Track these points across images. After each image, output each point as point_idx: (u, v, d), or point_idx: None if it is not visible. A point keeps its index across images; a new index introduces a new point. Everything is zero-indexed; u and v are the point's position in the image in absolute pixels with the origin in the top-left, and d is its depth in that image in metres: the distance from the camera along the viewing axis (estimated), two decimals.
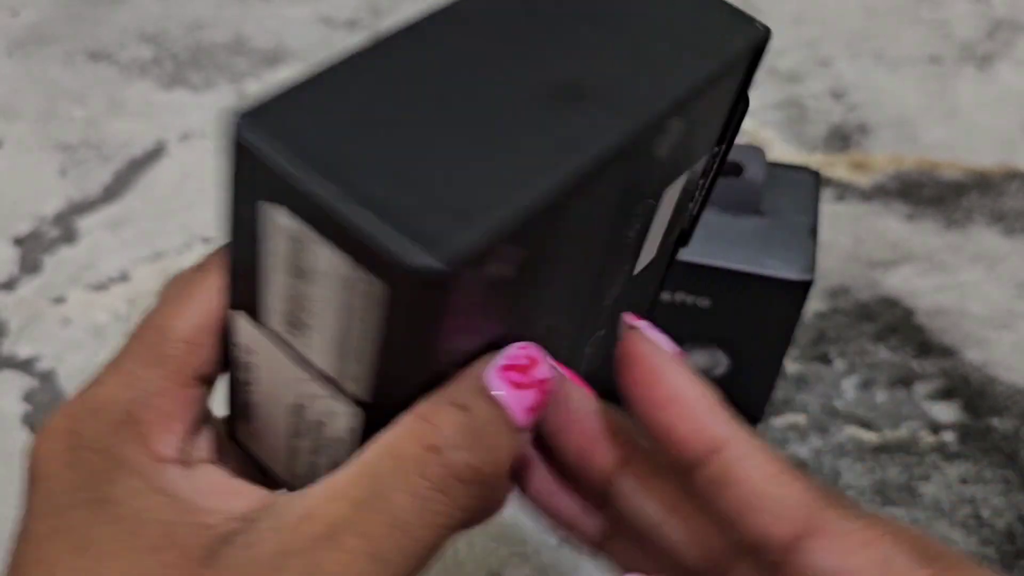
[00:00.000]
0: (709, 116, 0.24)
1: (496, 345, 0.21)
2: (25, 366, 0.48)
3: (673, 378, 0.21)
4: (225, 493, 0.21)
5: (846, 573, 0.19)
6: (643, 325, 0.22)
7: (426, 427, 0.19)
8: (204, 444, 0.23)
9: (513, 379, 0.21)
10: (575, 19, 0.22)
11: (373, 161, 0.18)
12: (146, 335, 0.22)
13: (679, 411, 0.21)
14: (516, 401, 0.21)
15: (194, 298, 0.22)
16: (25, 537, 0.21)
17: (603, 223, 0.21)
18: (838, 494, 0.21)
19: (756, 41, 0.23)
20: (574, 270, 0.22)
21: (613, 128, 0.19)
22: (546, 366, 0.21)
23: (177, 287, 0.22)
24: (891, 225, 0.52)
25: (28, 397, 0.47)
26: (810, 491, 0.20)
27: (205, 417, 0.23)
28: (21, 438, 0.46)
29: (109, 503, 0.20)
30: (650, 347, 0.22)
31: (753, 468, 0.20)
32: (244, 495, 0.21)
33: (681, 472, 0.21)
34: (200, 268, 0.22)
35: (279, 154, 0.17)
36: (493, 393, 0.20)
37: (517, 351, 0.21)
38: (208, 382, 0.23)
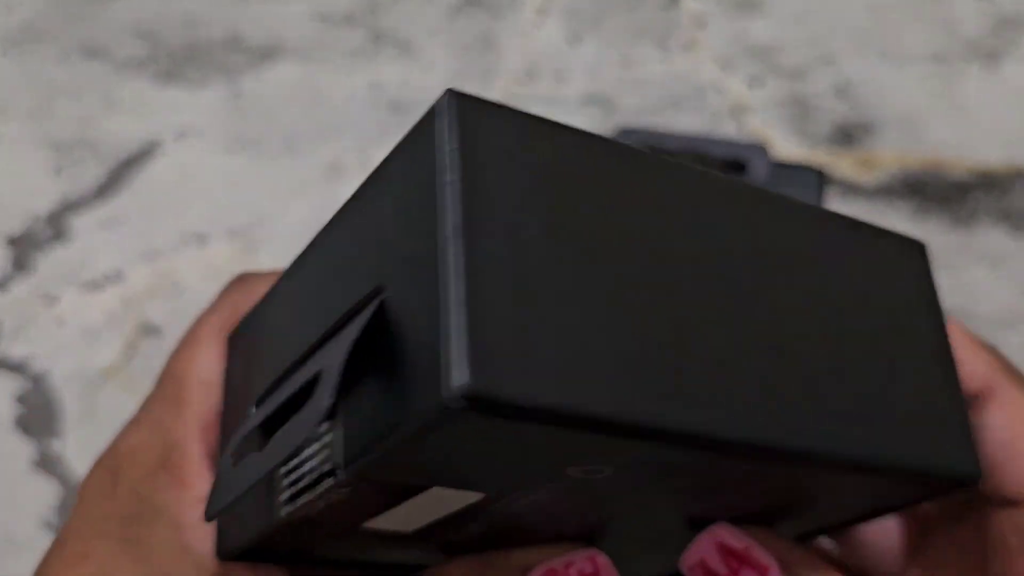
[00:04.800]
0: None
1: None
2: (18, 367, 0.47)
3: None
4: (245, 567, 0.22)
5: (1010, 435, 0.23)
6: None
7: None
8: None
9: None
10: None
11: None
12: (167, 383, 0.23)
13: None
14: None
15: (206, 342, 0.23)
16: (57, 550, 0.22)
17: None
18: (1016, 369, 0.24)
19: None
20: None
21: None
22: None
23: (190, 331, 0.24)
24: (896, 224, 0.51)
25: (21, 399, 0.46)
26: (993, 361, 0.23)
27: None
28: (14, 441, 0.45)
29: (139, 544, 0.21)
30: None
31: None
32: (263, 571, 0.22)
33: None
34: (211, 311, 0.24)
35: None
36: None
37: (581, 558, 0.22)
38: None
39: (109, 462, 0.23)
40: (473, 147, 0.16)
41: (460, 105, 0.16)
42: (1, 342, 0.48)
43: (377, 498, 0.19)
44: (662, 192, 0.18)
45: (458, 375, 0.14)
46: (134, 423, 0.23)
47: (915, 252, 0.23)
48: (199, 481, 0.22)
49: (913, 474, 0.20)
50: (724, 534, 0.21)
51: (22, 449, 0.45)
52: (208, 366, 0.23)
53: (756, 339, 0.18)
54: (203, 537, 0.22)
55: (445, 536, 0.22)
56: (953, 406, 0.21)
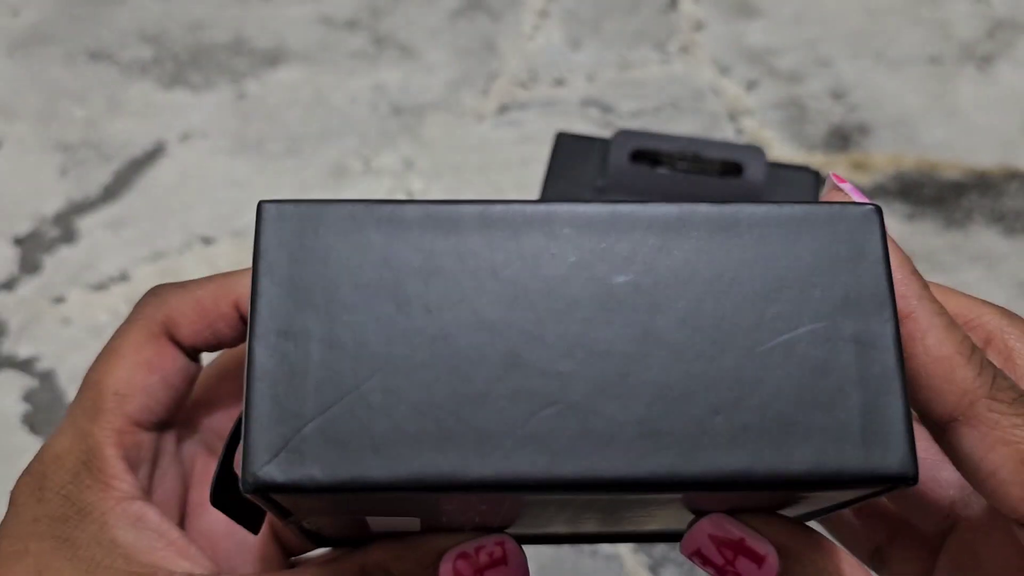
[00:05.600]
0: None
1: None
2: (25, 366, 0.48)
3: None
4: (176, 555, 0.24)
5: (985, 465, 0.20)
6: (848, 187, 0.22)
7: None
8: (169, 481, 0.27)
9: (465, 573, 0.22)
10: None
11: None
12: (85, 393, 0.25)
13: None
14: None
15: (122, 353, 0.25)
16: None
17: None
18: (1005, 383, 0.21)
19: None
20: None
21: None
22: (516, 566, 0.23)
23: (108, 344, 0.25)
24: (891, 225, 0.52)
25: (28, 397, 0.47)
26: (977, 379, 0.21)
27: (173, 457, 0.27)
28: (21, 438, 0.46)
29: (70, 543, 0.23)
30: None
31: (930, 346, 0.21)
32: (193, 559, 0.24)
33: None
34: (127, 325, 0.25)
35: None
36: None
37: (491, 543, 0.23)
38: (156, 427, 0.26)
39: (37, 468, 0.25)
40: (269, 249, 0.19)
41: (266, 212, 0.19)
42: (8, 341, 0.49)
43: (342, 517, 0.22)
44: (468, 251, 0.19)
45: (250, 467, 0.18)
46: (58, 431, 0.25)
47: (862, 226, 0.20)
48: (118, 481, 0.24)
49: (794, 483, 0.18)
50: (716, 525, 0.21)
51: (29, 447, 0.45)
52: (122, 377, 0.25)
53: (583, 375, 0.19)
54: (128, 530, 0.24)
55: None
56: (878, 398, 0.19)
